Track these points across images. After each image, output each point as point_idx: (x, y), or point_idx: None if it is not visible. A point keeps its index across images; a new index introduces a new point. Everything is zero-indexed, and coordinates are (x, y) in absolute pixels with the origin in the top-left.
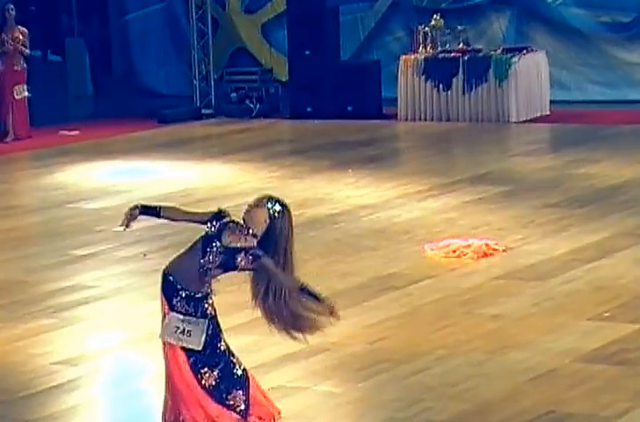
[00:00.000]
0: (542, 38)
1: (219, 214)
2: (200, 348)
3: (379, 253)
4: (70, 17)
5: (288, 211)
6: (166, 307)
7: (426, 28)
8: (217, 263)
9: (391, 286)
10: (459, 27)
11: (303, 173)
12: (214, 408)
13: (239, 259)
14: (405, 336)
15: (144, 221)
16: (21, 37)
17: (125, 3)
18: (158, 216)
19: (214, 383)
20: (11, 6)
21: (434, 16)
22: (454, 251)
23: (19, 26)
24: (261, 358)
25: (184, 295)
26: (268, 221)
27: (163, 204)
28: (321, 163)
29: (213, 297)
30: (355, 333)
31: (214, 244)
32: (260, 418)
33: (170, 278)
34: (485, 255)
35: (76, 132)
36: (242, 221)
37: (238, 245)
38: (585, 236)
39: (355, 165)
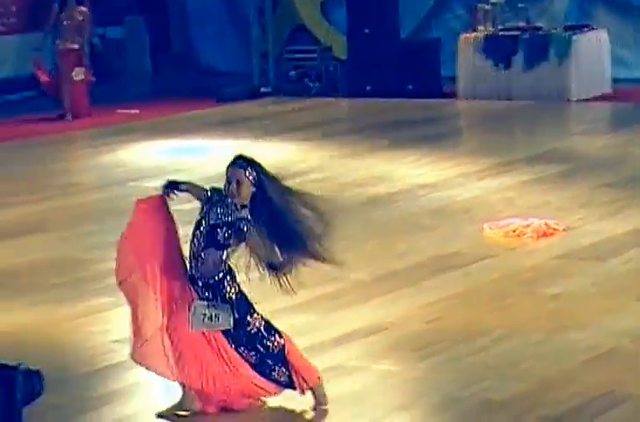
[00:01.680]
0: (604, 16)
1: (208, 196)
2: (230, 327)
3: (438, 232)
4: None
5: (266, 173)
6: (193, 294)
7: (487, 6)
8: (203, 244)
9: (450, 265)
10: (520, 5)
11: (362, 152)
12: (259, 381)
13: (220, 235)
14: (464, 315)
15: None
16: (79, 17)
17: None
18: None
19: (255, 361)
20: None
21: None
22: (514, 231)
23: (79, 6)
24: (319, 337)
25: (200, 284)
26: (253, 189)
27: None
28: (380, 141)
29: (235, 275)
30: (413, 313)
31: (201, 227)
32: (304, 384)
33: (188, 267)
34: (545, 235)
35: (136, 110)
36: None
37: (219, 221)
38: None
39: (414, 144)
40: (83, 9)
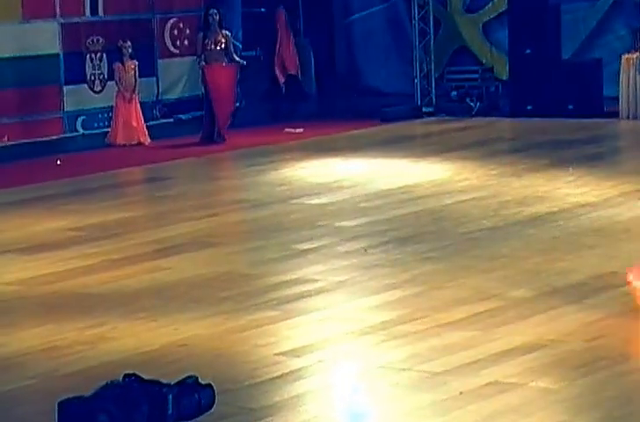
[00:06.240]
0: None
1: None
2: None
3: (598, 251)
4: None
5: None
6: None
7: None
8: None
9: (611, 284)
10: None
11: (523, 171)
12: None
13: None
14: (625, 334)
15: (364, 217)
16: (223, 40)
17: (349, 5)
18: None
19: None
20: (215, 11)
21: None
22: None
23: (223, 31)
24: (478, 353)
25: None
26: None
27: None
28: (541, 161)
29: None
30: (573, 330)
31: None
32: None
33: None
34: None
35: (301, 130)
36: None
37: None
38: None
39: (575, 163)
40: (226, 32)
